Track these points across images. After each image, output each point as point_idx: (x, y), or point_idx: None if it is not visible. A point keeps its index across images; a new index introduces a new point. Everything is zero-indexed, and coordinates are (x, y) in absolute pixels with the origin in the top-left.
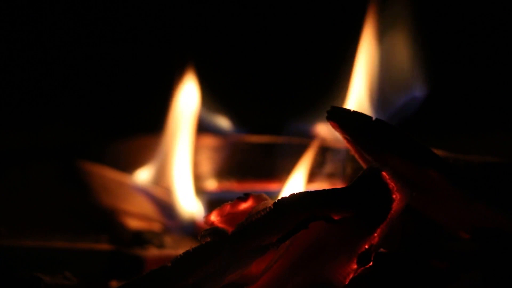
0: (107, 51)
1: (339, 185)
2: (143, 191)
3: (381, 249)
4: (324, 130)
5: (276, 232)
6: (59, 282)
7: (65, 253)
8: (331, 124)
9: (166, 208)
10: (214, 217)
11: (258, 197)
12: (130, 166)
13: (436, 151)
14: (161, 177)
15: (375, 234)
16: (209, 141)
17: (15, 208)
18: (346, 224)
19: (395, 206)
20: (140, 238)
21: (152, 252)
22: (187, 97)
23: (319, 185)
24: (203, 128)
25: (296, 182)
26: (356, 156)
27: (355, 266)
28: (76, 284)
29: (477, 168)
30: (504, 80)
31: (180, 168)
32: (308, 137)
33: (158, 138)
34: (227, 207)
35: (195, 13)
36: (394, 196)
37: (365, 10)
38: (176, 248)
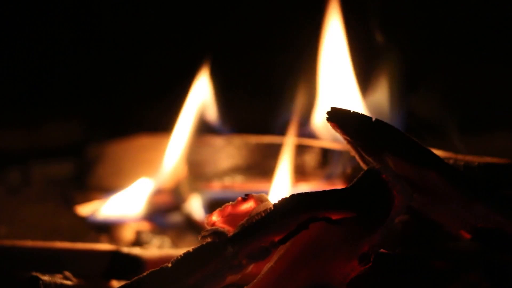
0: (107, 51)
1: (339, 186)
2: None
3: (381, 249)
4: (324, 130)
5: (276, 233)
6: (59, 282)
7: (65, 253)
8: (331, 125)
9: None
10: (215, 218)
11: (259, 198)
12: (129, 166)
13: (436, 151)
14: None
15: (375, 235)
16: (210, 141)
17: (15, 208)
18: (347, 224)
19: (395, 207)
20: (140, 238)
21: (152, 252)
22: (187, 97)
23: (320, 186)
24: (203, 128)
25: (294, 183)
26: (356, 157)
27: (355, 266)
28: (76, 284)
29: (477, 168)
30: (504, 80)
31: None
32: (308, 138)
33: (158, 138)
34: (228, 208)
35: (194, 12)
36: (394, 197)
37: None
38: (176, 248)
